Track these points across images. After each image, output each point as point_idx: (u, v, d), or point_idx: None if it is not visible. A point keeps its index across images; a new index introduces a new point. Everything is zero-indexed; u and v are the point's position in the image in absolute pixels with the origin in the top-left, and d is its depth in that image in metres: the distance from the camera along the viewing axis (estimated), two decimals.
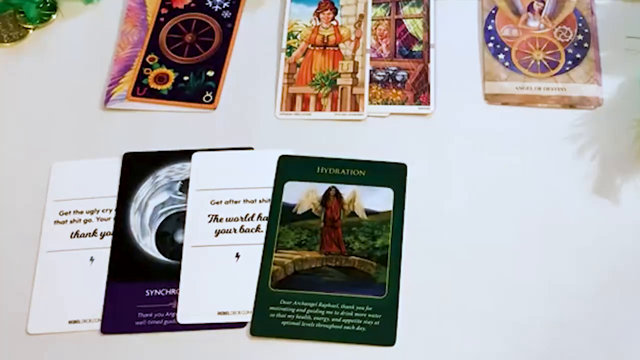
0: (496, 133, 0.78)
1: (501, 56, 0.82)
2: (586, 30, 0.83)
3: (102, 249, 0.74)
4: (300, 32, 0.85)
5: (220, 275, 0.72)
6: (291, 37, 0.85)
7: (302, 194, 0.75)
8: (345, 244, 0.73)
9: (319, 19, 0.86)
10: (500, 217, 0.74)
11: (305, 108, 0.81)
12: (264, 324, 0.70)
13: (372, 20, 0.85)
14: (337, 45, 0.84)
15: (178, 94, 0.82)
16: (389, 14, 0.86)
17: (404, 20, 0.85)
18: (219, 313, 0.70)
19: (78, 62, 0.85)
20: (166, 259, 0.73)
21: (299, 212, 0.75)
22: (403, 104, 0.80)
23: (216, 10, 0.87)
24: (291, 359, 0.69)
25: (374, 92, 0.81)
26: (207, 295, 0.71)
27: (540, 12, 0.85)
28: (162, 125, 0.81)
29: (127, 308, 0.71)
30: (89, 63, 0.85)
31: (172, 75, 0.83)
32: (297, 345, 0.69)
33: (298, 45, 0.84)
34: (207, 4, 0.88)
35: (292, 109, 0.81)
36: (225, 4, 0.87)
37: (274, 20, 0.86)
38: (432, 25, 0.84)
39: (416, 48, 0.83)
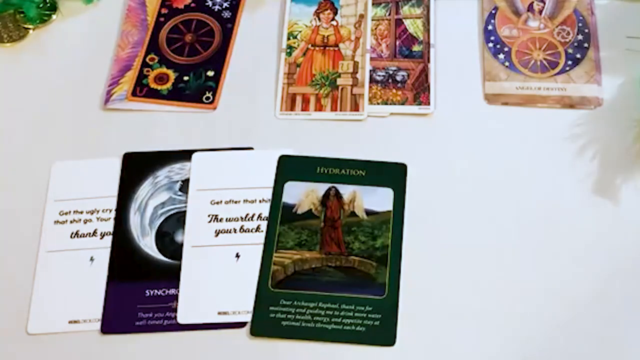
0: (496, 133, 0.78)
1: (501, 56, 0.82)
2: (586, 30, 0.83)
3: (102, 249, 0.74)
4: (300, 32, 0.85)
5: (220, 275, 0.72)
6: (291, 37, 0.85)
7: (302, 194, 0.75)
8: (345, 244, 0.73)
9: (319, 19, 0.86)
10: (501, 217, 0.74)
11: (305, 108, 0.81)
12: (264, 324, 0.70)
13: (372, 20, 0.85)
14: (337, 45, 0.84)
15: (178, 94, 0.82)
16: (389, 14, 0.86)
17: (404, 20, 0.85)
18: (219, 313, 0.70)
19: (78, 62, 0.85)
20: (166, 259, 0.73)
21: (299, 212, 0.75)
22: (403, 104, 0.80)
23: (216, 10, 0.87)
24: (291, 359, 0.69)
25: (374, 92, 0.81)
26: (207, 295, 0.71)
27: (540, 12, 0.85)
28: (162, 125, 0.81)
29: (127, 308, 0.71)
30: (89, 63, 0.85)
31: (172, 75, 0.83)
32: (297, 345, 0.69)
33: (298, 45, 0.84)
34: (207, 4, 0.88)
35: (292, 109, 0.81)
36: (225, 4, 0.87)
37: (274, 20, 0.86)
38: (432, 25, 0.84)
39: (416, 48, 0.83)
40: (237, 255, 0.73)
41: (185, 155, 0.78)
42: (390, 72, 0.82)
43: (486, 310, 0.70)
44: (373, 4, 0.86)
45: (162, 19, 0.87)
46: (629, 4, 0.84)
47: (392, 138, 0.79)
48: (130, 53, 0.85)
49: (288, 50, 0.84)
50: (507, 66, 0.82)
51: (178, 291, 0.72)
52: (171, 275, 0.72)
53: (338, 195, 0.75)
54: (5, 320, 0.71)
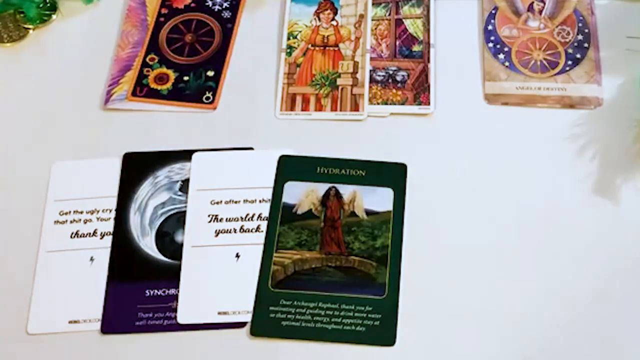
0: (496, 133, 0.78)
1: (501, 56, 0.82)
2: (586, 30, 0.83)
3: (102, 249, 0.74)
4: (300, 32, 0.85)
5: (220, 275, 0.72)
6: (291, 37, 0.85)
7: (302, 194, 0.75)
8: (345, 244, 0.73)
9: (319, 19, 0.86)
10: (501, 217, 0.74)
11: (305, 108, 0.81)
12: (264, 324, 0.70)
13: (372, 20, 0.85)
14: (337, 45, 0.84)
15: (178, 94, 0.82)
16: (389, 14, 0.86)
17: (404, 20, 0.85)
18: (219, 313, 0.70)
19: (78, 62, 0.85)
20: (166, 259, 0.73)
21: (299, 212, 0.75)
22: (403, 104, 0.80)
23: (216, 10, 0.87)
24: (291, 359, 0.69)
25: (374, 92, 0.81)
26: (207, 295, 0.71)
27: (540, 12, 0.85)
28: (162, 125, 0.81)
29: (127, 308, 0.71)
30: (89, 63, 0.85)
31: (172, 75, 0.83)
32: (297, 345, 0.69)
33: (298, 45, 0.84)
34: (207, 4, 0.88)
35: (292, 109, 0.81)
36: (225, 4, 0.87)
37: (274, 20, 0.86)
38: (432, 25, 0.84)
39: (416, 48, 0.83)
40: (237, 255, 0.73)
41: (185, 155, 0.78)
42: (390, 72, 0.82)
43: (486, 310, 0.70)
44: (373, 4, 0.86)
45: (162, 19, 0.87)
46: (629, 4, 0.84)
47: (392, 138, 0.79)
48: (130, 53, 0.85)
49: (288, 50, 0.84)
50: (507, 66, 0.82)
51: (178, 291, 0.72)
52: (171, 275, 0.72)
53: (338, 195, 0.75)
54: (5, 320, 0.71)
